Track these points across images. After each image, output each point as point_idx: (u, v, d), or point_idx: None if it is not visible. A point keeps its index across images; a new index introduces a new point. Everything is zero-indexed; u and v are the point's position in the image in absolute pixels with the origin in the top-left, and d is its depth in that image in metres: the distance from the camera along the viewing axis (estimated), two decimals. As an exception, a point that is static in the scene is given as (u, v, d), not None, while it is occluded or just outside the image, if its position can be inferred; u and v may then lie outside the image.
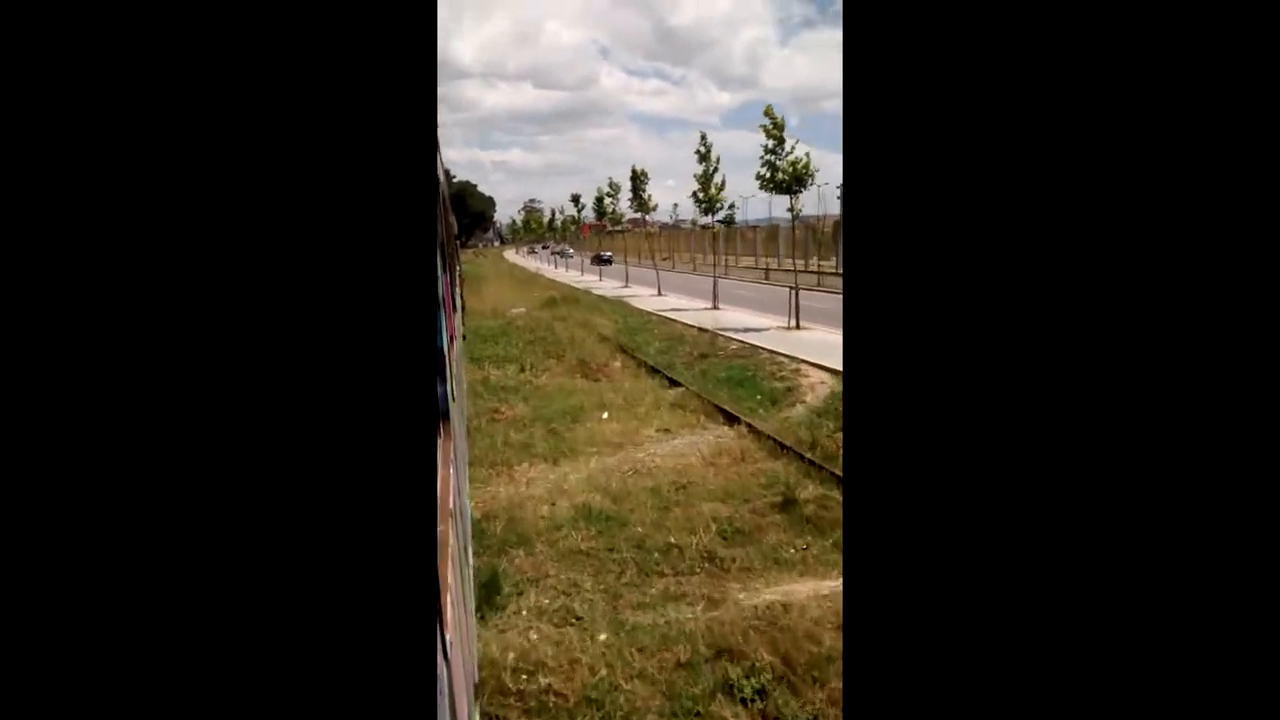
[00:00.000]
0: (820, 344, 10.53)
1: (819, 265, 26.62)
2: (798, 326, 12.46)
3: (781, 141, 12.11)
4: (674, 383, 8.90)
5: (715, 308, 16.38)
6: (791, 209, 12.51)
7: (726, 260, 33.25)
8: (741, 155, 14.15)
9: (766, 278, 27.07)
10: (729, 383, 8.81)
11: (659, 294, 20.59)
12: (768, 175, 12.36)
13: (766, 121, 12.16)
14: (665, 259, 36.02)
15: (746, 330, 12.42)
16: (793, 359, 9.39)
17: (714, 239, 25.33)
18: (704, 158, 15.86)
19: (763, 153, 12.36)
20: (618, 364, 10.93)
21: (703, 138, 15.93)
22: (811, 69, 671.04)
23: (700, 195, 15.96)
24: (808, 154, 11.95)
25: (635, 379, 9.53)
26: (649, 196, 21.28)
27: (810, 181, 12.04)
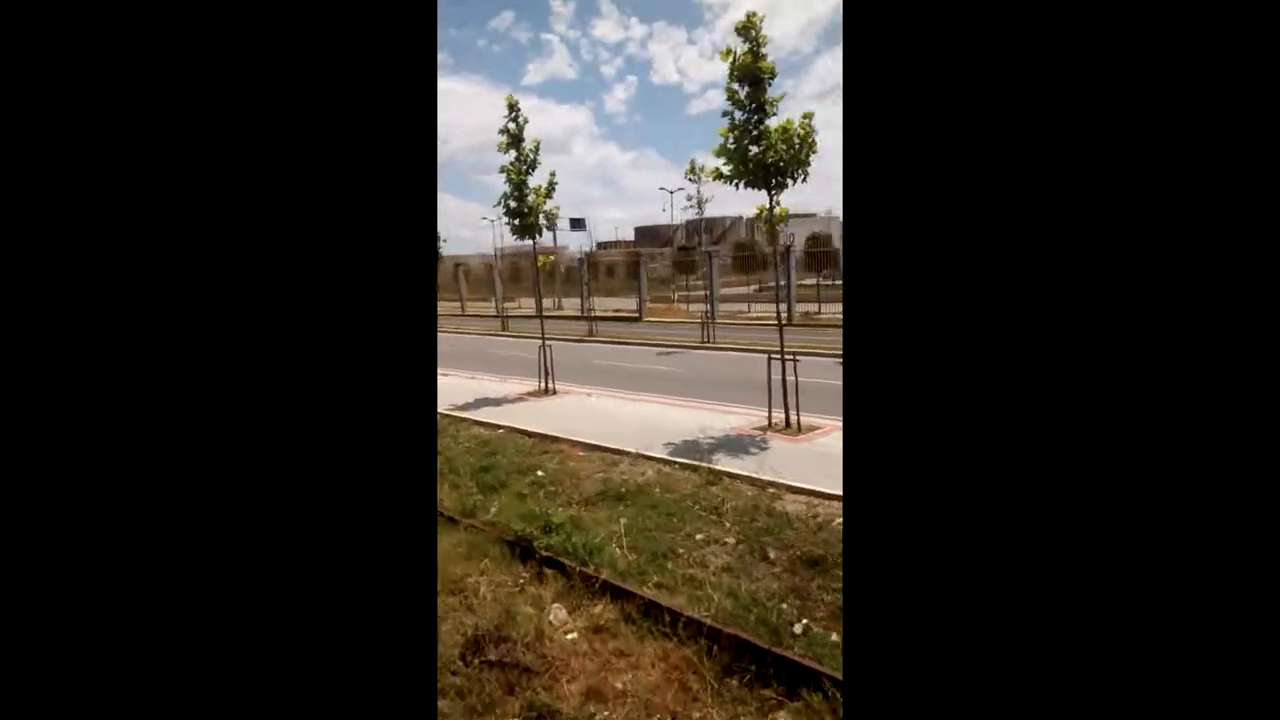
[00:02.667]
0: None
1: (591, 307, 21.44)
2: (792, 426, 6.87)
3: (762, 93, 6.47)
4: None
5: (550, 390, 9.76)
6: (771, 212, 6.85)
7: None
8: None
9: (504, 325, 20.88)
10: None
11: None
12: (734, 151, 6.56)
13: (740, 44, 6.40)
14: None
15: (724, 446, 6.36)
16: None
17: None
18: (514, 142, 9.26)
19: (729, 110, 6.55)
20: (552, 617, 3.99)
21: (512, 108, 9.31)
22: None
23: (512, 203, 9.27)
24: (809, 117, 6.50)
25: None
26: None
27: (808, 166, 6.60)
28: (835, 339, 14.37)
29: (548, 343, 9.89)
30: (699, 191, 18.45)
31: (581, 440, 6.80)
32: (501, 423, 7.86)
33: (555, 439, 6.94)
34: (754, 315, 20.44)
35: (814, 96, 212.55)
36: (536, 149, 9.40)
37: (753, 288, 29.81)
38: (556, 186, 9.39)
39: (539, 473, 6.09)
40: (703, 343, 15.47)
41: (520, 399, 9.53)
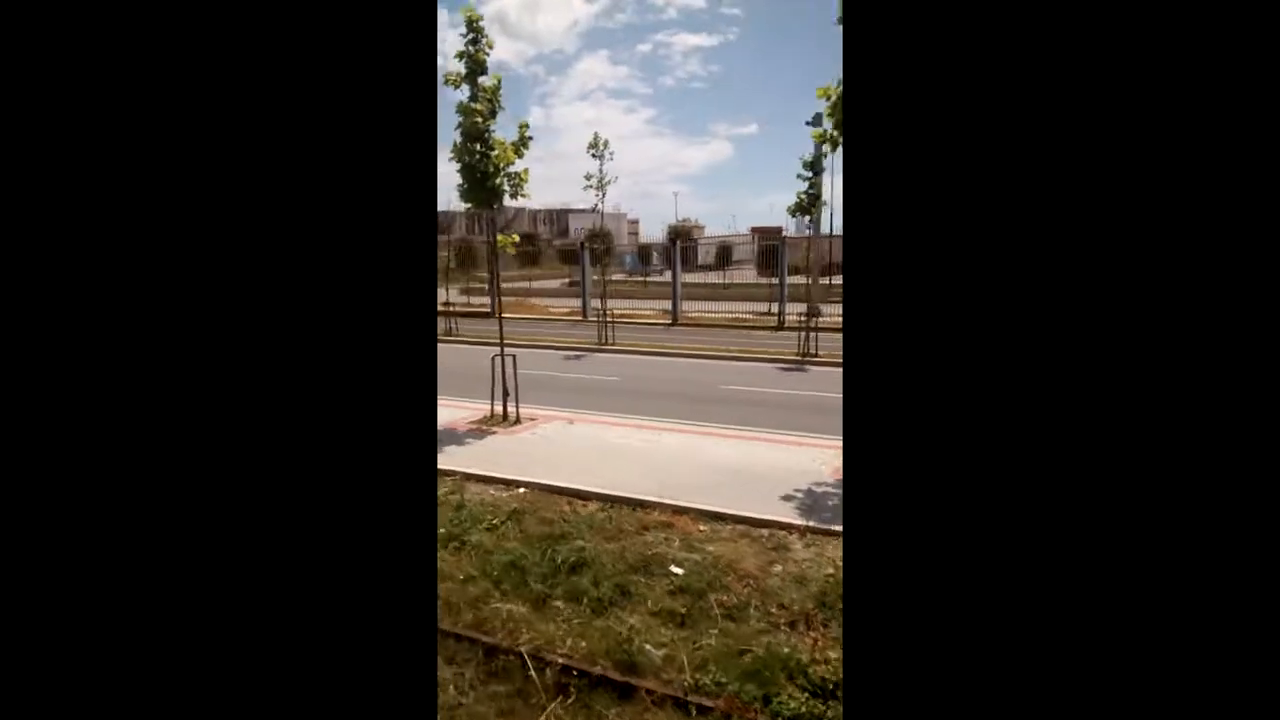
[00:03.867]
0: None
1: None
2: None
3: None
4: None
5: (514, 416, 7.31)
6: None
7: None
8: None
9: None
10: None
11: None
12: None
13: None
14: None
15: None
16: None
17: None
18: (473, 73, 6.62)
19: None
20: None
21: (471, 25, 6.60)
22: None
23: (467, 158, 6.62)
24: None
25: None
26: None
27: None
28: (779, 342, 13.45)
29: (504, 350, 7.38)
30: (600, 170, 15.97)
31: (676, 504, 4.73)
32: (499, 474, 5.40)
33: (639, 503, 4.76)
34: (622, 311, 18.88)
35: (577, 97, 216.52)
36: (498, 87, 6.88)
37: (563, 281, 28.33)
38: (531, 140, 6.95)
39: (673, 568, 3.97)
40: (601, 344, 13.60)
41: (482, 430, 6.94)
